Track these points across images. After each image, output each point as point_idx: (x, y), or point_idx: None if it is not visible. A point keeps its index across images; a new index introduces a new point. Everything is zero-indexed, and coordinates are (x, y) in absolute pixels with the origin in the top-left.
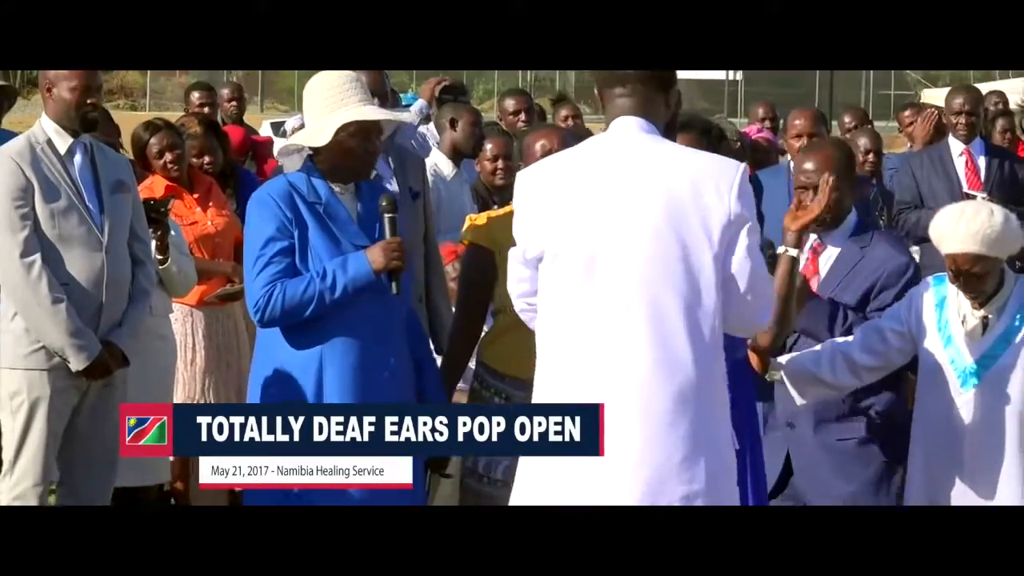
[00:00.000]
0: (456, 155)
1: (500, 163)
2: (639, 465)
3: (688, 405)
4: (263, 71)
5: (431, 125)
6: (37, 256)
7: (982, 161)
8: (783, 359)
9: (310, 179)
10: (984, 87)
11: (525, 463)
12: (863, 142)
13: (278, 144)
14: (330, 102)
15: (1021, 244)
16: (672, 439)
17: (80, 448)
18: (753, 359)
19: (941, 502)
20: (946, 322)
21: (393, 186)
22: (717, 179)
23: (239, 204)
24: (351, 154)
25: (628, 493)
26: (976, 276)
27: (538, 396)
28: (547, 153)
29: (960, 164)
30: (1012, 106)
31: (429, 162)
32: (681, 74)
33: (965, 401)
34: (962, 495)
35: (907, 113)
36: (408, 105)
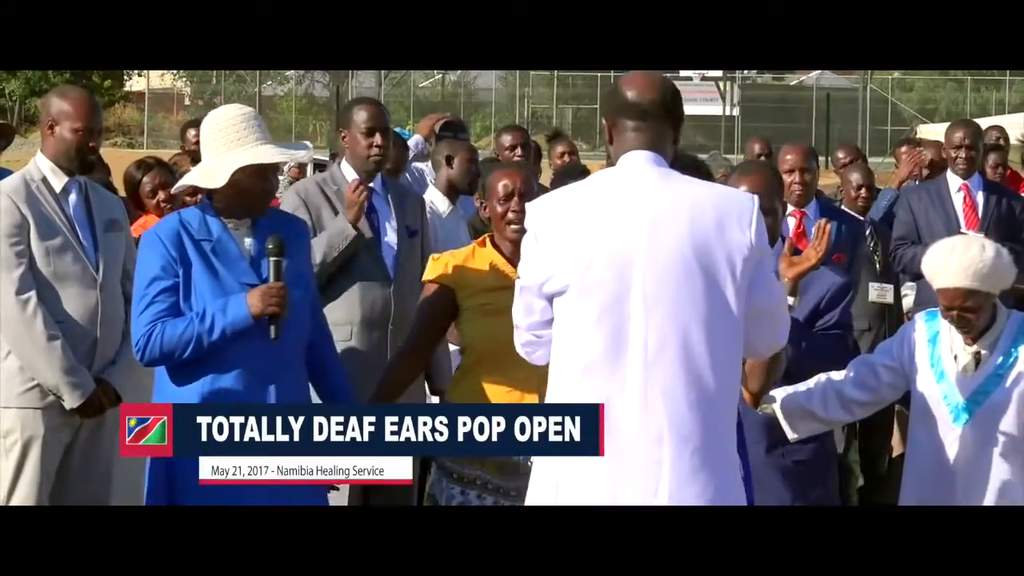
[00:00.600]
0: (452, 191)
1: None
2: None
3: (715, 442)
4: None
5: (429, 162)
6: (32, 293)
7: (980, 197)
8: (776, 393)
9: (204, 216)
10: (983, 122)
11: (536, 483)
12: (855, 177)
13: (183, 181)
14: (227, 141)
15: (1013, 279)
16: (703, 477)
17: (72, 486)
18: (744, 392)
19: None
20: (939, 358)
21: (392, 223)
22: (738, 213)
23: None
24: (248, 193)
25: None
26: (968, 311)
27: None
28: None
29: (958, 200)
30: (1013, 141)
31: (425, 199)
32: None
33: (957, 437)
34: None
35: (903, 149)
36: (406, 140)
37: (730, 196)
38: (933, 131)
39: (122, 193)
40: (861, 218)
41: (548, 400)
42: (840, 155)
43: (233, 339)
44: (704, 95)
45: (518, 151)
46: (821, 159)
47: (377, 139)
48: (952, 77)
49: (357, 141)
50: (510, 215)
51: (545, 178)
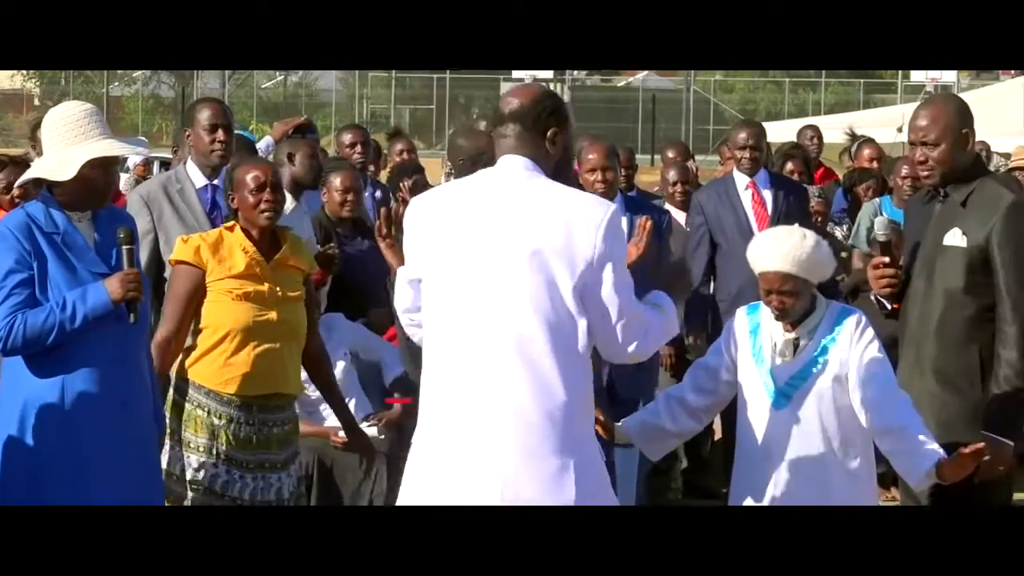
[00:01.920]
0: (296, 188)
1: (350, 196)
2: (513, 481)
3: (557, 423)
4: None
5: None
6: None
7: (768, 193)
8: (625, 421)
9: (48, 209)
10: (800, 122)
11: (411, 469)
12: (671, 175)
13: (28, 174)
14: (70, 136)
15: (831, 271)
16: (542, 454)
17: None
18: (598, 429)
19: None
20: (760, 347)
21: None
22: (586, 218)
23: None
24: (92, 186)
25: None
26: (786, 295)
27: (423, 412)
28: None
29: (747, 197)
30: (842, 138)
31: None
32: None
33: (777, 421)
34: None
35: (725, 148)
36: (252, 142)
37: (584, 202)
38: None
39: None
40: (665, 210)
41: (422, 386)
42: (670, 153)
43: (93, 325)
44: None
45: (358, 149)
46: (647, 156)
47: (220, 135)
48: (771, 79)
49: (200, 138)
50: (263, 205)
51: (384, 176)
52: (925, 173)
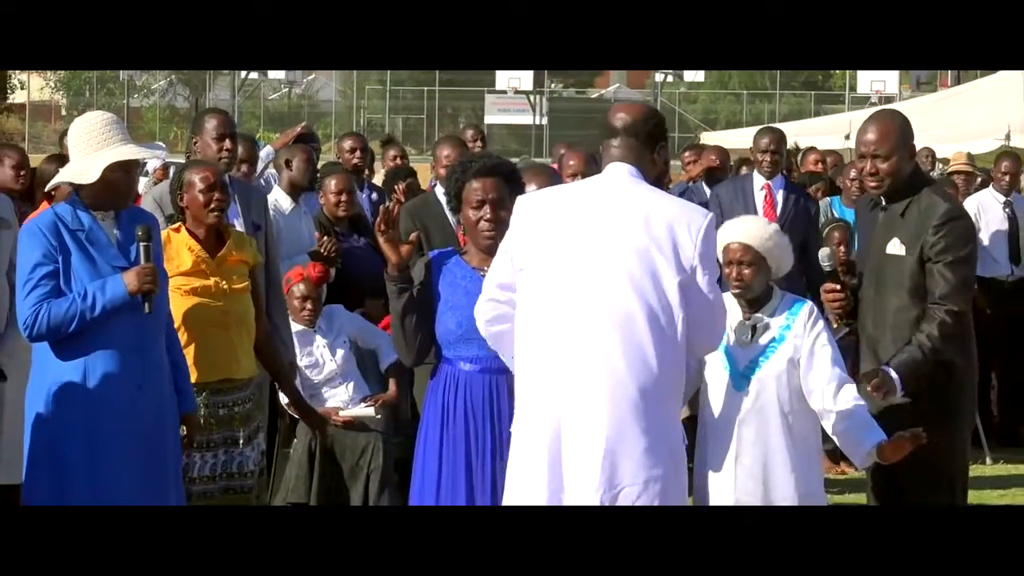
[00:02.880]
0: (294, 190)
1: (343, 197)
2: (611, 452)
3: (650, 399)
4: None
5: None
6: None
7: (780, 196)
8: None
9: (75, 210)
10: (754, 130)
11: (513, 463)
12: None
13: (57, 178)
14: (94, 143)
15: (788, 266)
16: (637, 428)
17: None
18: None
19: (719, 497)
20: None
21: (239, 219)
22: (688, 221)
23: None
24: (115, 187)
25: (595, 473)
26: (744, 266)
27: (522, 390)
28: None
29: (760, 197)
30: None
31: (270, 198)
32: (493, 119)
33: (738, 402)
34: (739, 491)
35: (687, 153)
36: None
37: (685, 207)
38: (715, 138)
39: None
40: None
41: (516, 369)
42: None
43: (112, 314)
44: (516, 106)
45: (357, 154)
46: None
47: (226, 144)
48: (731, 91)
49: (208, 146)
50: (212, 204)
51: (379, 178)
52: (875, 184)
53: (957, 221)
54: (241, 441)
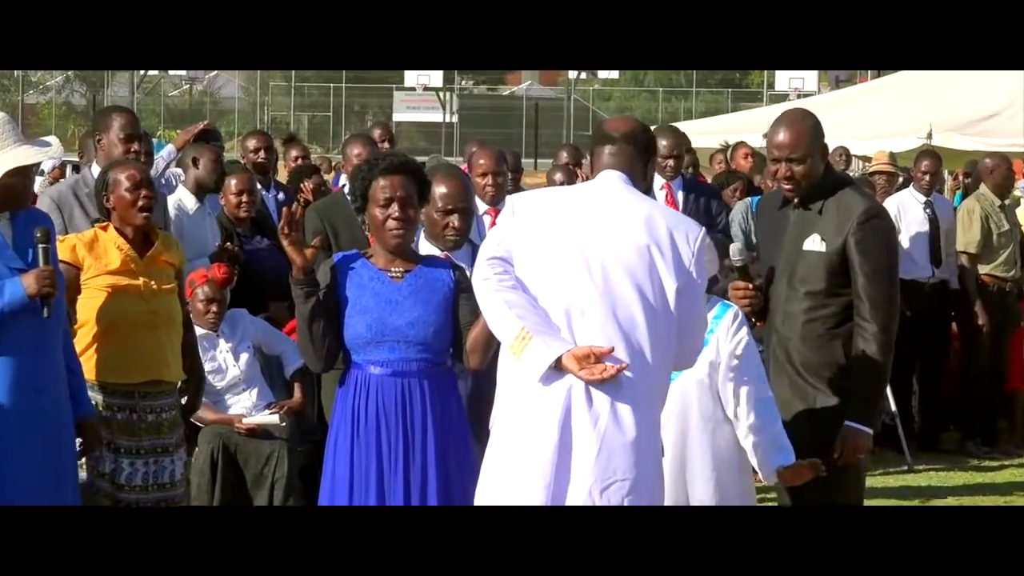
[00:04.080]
0: (200, 190)
1: (244, 197)
2: (606, 443)
3: (645, 400)
4: None
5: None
6: None
7: (680, 196)
8: None
9: None
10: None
11: (490, 457)
12: (558, 176)
13: None
14: None
15: (714, 271)
16: (634, 424)
17: None
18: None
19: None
20: None
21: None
22: (688, 230)
23: None
24: (12, 190)
25: (591, 464)
26: None
27: (517, 378)
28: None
29: (660, 197)
30: (719, 144)
31: (173, 198)
32: (401, 116)
33: (678, 387)
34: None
35: None
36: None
37: (683, 217)
38: None
39: None
40: None
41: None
42: (564, 156)
43: (9, 317)
44: (426, 104)
45: (261, 154)
46: (529, 161)
47: (134, 145)
48: (646, 88)
49: (115, 146)
50: (140, 202)
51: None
52: (791, 187)
53: (877, 220)
54: (171, 448)
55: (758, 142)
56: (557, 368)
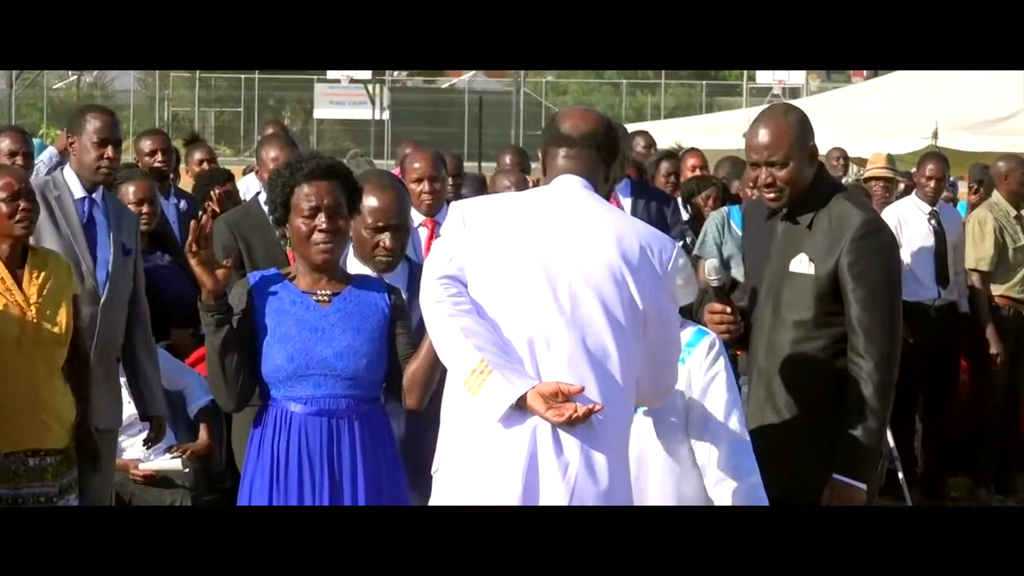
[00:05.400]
0: None
1: (144, 208)
2: (582, 459)
3: (616, 422)
4: None
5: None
6: None
7: (627, 202)
8: None
9: None
10: (636, 127)
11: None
12: (505, 183)
13: None
14: None
15: (691, 296)
16: (604, 442)
17: None
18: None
19: None
20: None
21: (110, 239)
22: (661, 247)
23: None
24: None
25: (563, 480)
26: None
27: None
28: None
29: None
30: (672, 146)
31: None
32: (323, 112)
33: (638, 424)
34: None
35: None
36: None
37: (655, 232)
38: None
39: None
40: None
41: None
42: (507, 159)
43: None
44: (353, 98)
45: (158, 157)
46: (473, 164)
47: (109, 151)
48: (608, 80)
49: (87, 150)
50: (18, 214)
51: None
52: (773, 196)
53: (874, 237)
54: (54, 497)
55: (738, 143)
56: (519, 407)
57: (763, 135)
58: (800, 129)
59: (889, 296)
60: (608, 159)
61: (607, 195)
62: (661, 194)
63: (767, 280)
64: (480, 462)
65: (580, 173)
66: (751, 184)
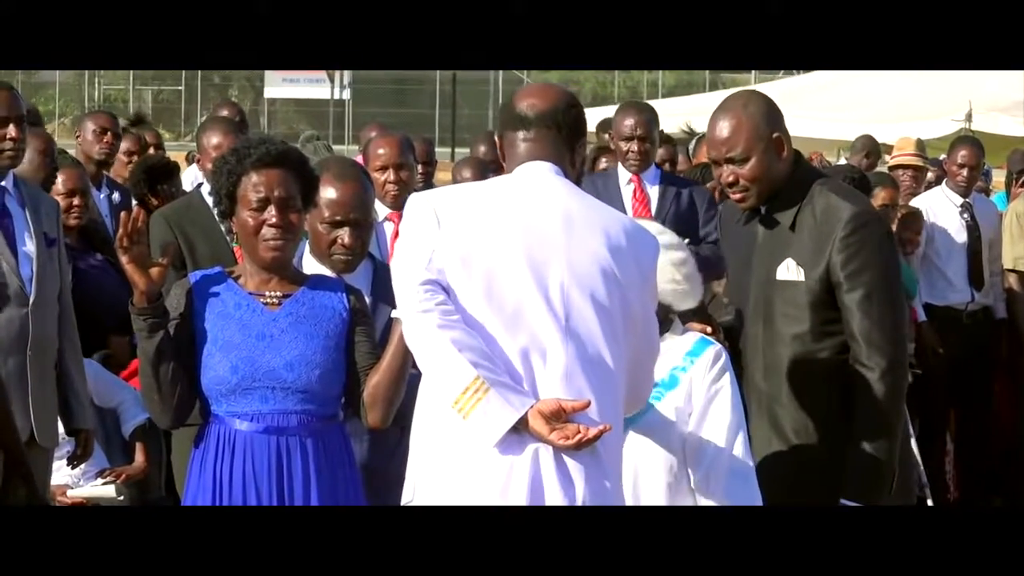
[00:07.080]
0: None
1: (75, 199)
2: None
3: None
4: None
5: None
6: None
7: (655, 191)
8: None
9: None
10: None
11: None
12: (467, 174)
13: None
14: None
15: (693, 302)
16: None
17: None
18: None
19: None
20: None
21: (30, 231)
22: (643, 242)
23: None
24: None
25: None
26: None
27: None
28: None
29: (627, 192)
30: (676, 131)
31: None
32: (276, 91)
33: (632, 442)
34: None
35: None
36: None
37: (642, 230)
38: None
39: None
40: None
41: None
42: (482, 149)
43: None
44: (309, 76)
45: (107, 138)
46: (446, 150)
47: (11, 131)
48: None
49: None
50: None
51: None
52: (739, 195)
53: (868, 228)
54: None
55: None
56: (514, 429)
57: (719, 129)
58: (760, 119)
59: (889, 296)
60: (571, 140)
61: (577, 180)
62: (694, 185)
63: (753, 292)
64: (471, 493)
65: (545, 158)
66: (716, 179)
